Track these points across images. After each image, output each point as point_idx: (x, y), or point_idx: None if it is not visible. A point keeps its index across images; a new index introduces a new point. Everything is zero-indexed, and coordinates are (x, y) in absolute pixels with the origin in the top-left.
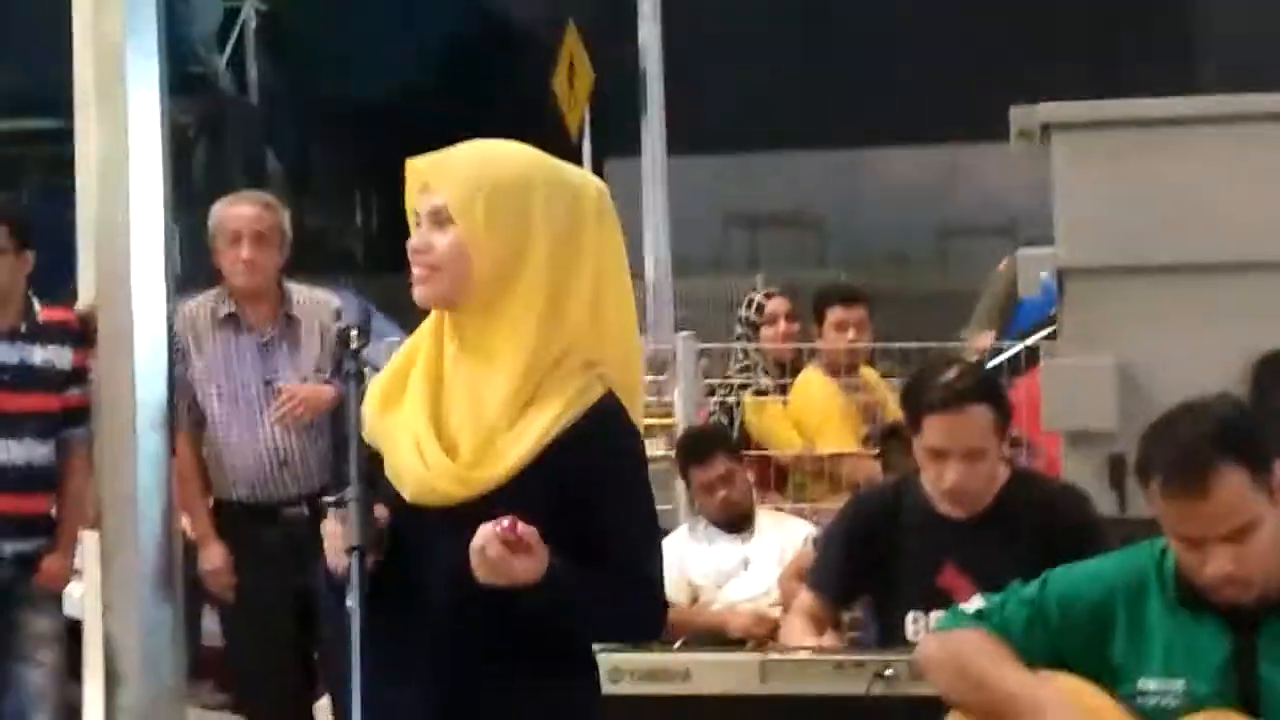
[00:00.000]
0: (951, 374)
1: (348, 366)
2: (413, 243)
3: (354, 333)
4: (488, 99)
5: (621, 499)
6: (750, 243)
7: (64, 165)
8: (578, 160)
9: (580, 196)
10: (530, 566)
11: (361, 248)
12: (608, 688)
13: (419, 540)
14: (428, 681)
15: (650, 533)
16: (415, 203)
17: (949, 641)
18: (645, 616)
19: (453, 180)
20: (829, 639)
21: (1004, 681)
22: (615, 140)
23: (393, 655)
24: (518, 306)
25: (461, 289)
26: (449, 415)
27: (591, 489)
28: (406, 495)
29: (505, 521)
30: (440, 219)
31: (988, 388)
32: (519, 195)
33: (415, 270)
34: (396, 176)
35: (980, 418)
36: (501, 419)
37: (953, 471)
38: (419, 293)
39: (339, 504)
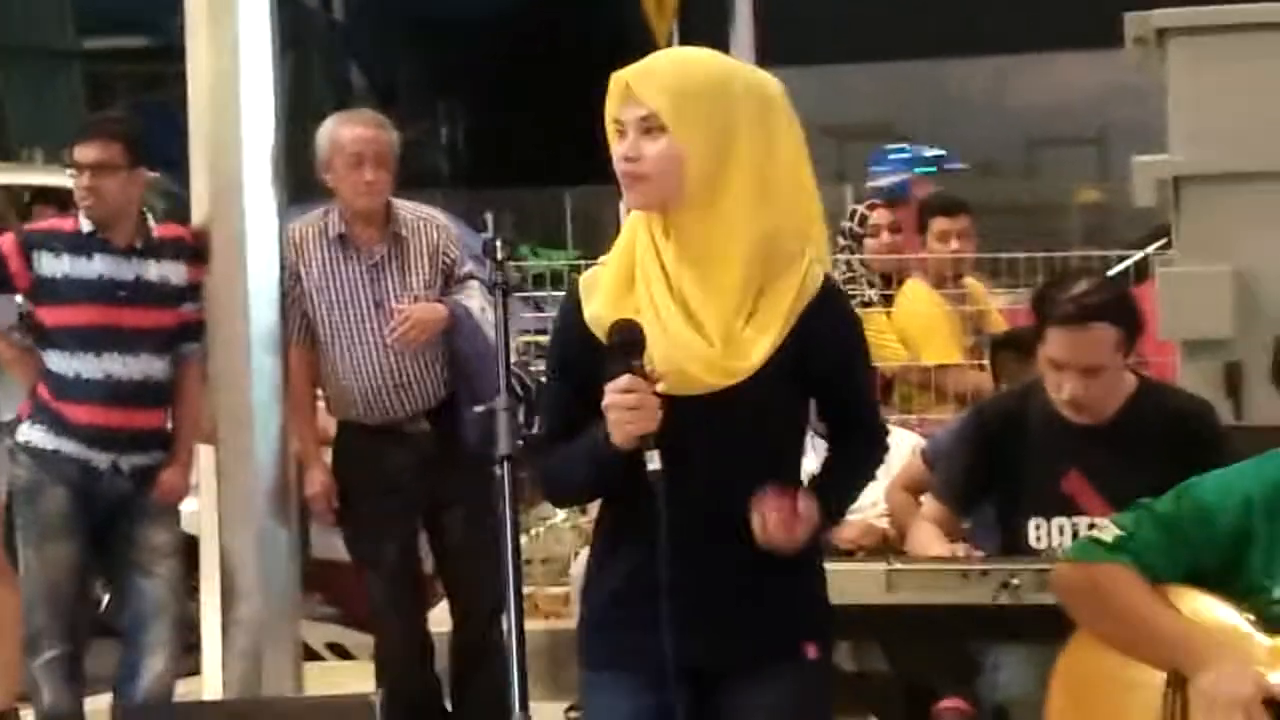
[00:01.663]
0: (1081, 288)
1: (495, 277)
2: (622, 150)
3: (499, 244)
4: (574, 10)
5: (859, 370)
6: (839, 154)
7: (159, 82)
8: None
9: (767, 91)
10: (810, 526)
11: (446, 162)
12: None
13: (672, 429)
14: (679, 545)
15: (872, 385)
16: (618, 112)
17: (1088, 574)
18: (878, 461)
19: (660, 89)
20: (961, 549)
21: (1155, 620)
22: None
23: (646, 544)
24: (730, 201)
25: (674, 192)
26: (692, 312)
27: (835, 367)
28: (662, 386)
29: (769, 499)
30: (649, 127)
31: (1116, 307)
32: (722, 98)
33: (625, 178)
34: (480, 90)
35: (1103, 336)
36: (741, 306)
37: (1070, 383)
38: (631, 198)
39: (488, 413)
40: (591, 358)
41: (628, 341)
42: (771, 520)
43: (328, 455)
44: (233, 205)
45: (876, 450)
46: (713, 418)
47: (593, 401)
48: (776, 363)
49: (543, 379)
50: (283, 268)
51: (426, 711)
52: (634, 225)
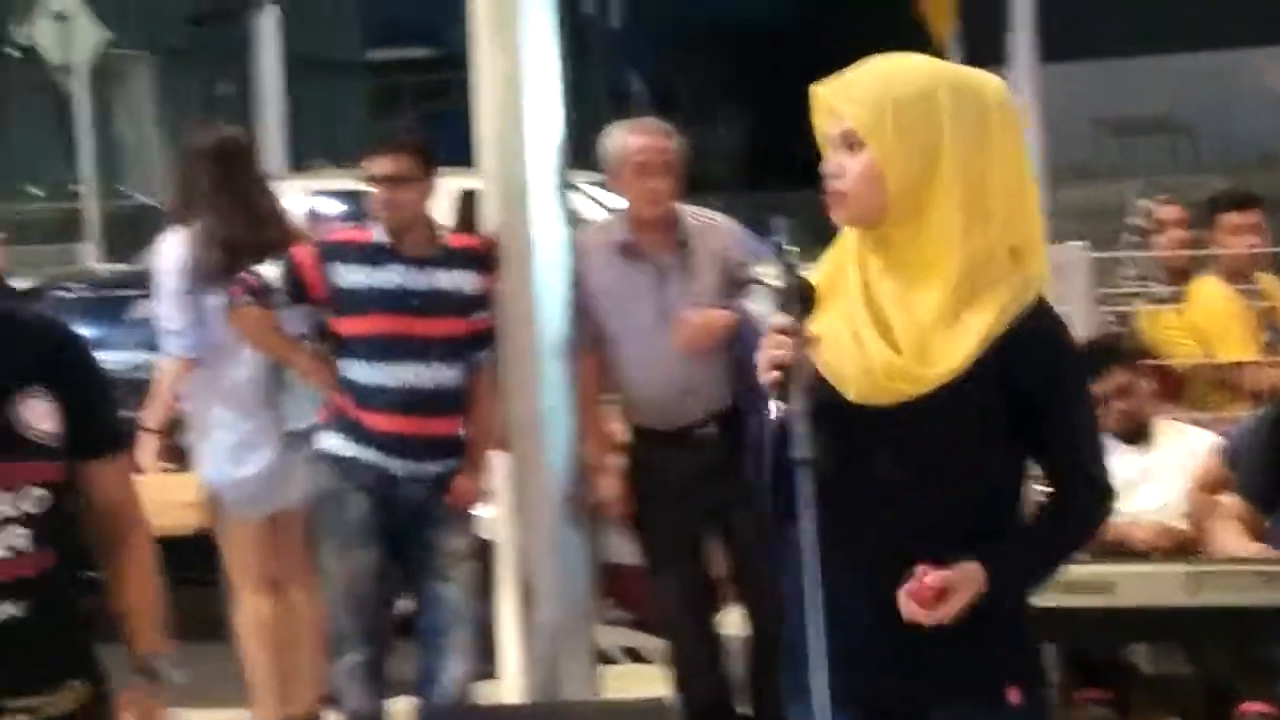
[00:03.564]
0: None
1: (788, 281)
2: (825, 167)
3: (790, 248)
4: (851, 12)
5: (1067, 400)
6: (1118, 149)
7: (440, 91)
8: None
9: (982, 97)
10: (965, 596)
11: (724, 167)
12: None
13: (857, 438)
14: (872, 572)
15: (1092, 425)
16: (824, 126)
17: None
18: (1094, 520)
19: (858, 102)
20: (1262, 548)
21: None
22: (983, 50)
23: (835, 553)
24: (938, 216)
25: (877, 208)
26: (886, 321)
27: (1036, 391)
28: (850, 394)
29: (918, 580)
30: (850, 141)
31: None
32: (924, 108)
33: (828, 194)
34: (758, 94)
35: None
36: (940, 320)
37: None
38: (835, 215)
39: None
40: None
41: (799, 292)
42: (907, 600)
43: (620, 460)
44: (522, 214)
45: (1088, 507)
46: (904, 431)
47: None
48: (974, 378)
49: None
50: (571, 275)
51: (720, 715)
52: (845, 236)
